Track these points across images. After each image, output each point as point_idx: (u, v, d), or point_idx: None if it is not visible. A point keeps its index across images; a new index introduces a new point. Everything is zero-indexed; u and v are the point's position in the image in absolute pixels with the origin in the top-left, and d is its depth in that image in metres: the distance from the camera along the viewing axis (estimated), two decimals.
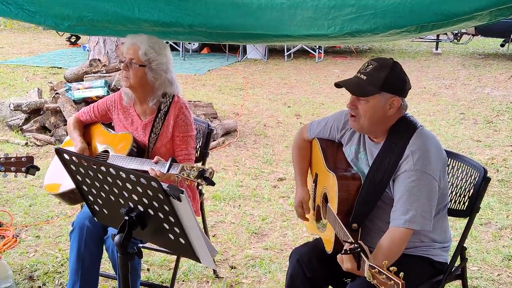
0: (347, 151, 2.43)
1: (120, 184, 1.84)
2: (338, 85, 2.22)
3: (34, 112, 6.39)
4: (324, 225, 2.42)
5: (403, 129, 2.22)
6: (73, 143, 2.94)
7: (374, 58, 2.23)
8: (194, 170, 2.40)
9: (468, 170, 2.50)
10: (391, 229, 2.11)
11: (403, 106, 2.24)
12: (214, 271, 3.45)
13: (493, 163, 5.42)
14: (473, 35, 12.59)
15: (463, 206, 2.48)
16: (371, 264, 1.77)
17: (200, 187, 3.16)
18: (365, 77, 2.17)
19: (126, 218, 1.86)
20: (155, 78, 2.76)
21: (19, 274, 3.43)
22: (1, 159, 2.68)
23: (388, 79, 2.15)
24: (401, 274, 1.67)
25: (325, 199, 2.40)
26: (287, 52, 11.73)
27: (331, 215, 2.25)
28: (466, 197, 2.47)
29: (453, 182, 2.55)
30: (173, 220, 1.81)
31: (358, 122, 2.23)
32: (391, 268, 1.69)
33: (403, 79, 2.21)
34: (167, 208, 1.78)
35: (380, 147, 2.25)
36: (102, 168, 1.85)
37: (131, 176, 1.77)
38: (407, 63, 11.12)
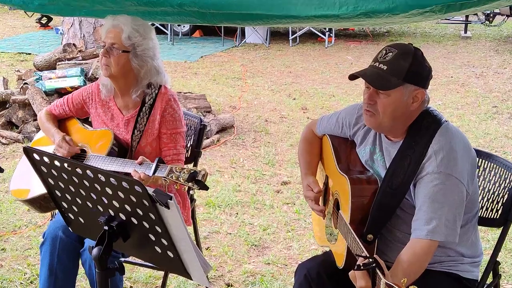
0: (361, 151, 2.43)
1: (99, 188, 1.84)
2: (354, 76, 2.20)
3: None
4: (335, 235, 2.42)
5: (425, 126, 2.22)
6: (49, 136, 2.94)
7: (392, 44, 2.22)
8: (184, 173, 2.41)
9: (502, 172, 2.50)
10: (412, 241, 2.11)
11: (426, 99, 2.25)
12: None
13: None
14: (508, 16, 12.58)
15: (496, 214, 2.48)
16: (388, 282, 1.77)
17: (191, 192, 3.16)
18: (385, 67, 2.15)
19: (106, 228, 1.87)
20: (140, 65, 2.76)
21: None
22: None
23: (412, 68, 2.15)
24: None
25: (337, 205, 2.41)
26: (292, 35, 11.73)
27: (343, 224, 2.24)
28: (500, 204, 2.47)
29: (485, 186, 2.55)
30: (160, 230, 1.81)
31: (375, 119, 2.22)
32: (411, 287, 1.69)
33: (427, 68, 2.22)
34: (153, 217, 1.78)
35: (399, 146, 2.25)
36: (78, 170, 1.85)
37: (112, 179, 1.78)
38: (431, 48, 11.12)
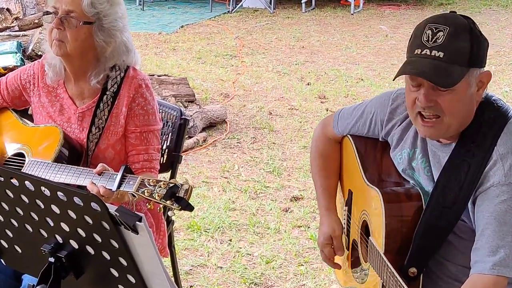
0: (396, 157, 2.44)
1: (42, 206, 1.83)
2: (401, 73, 2.16)
3: None
4: (364, 271, 2.43)
5: (486, 121, 2.23)
6: None
7: (434, 21, 2.18)
8: (160, 187, 2.38)
9: None
10: (472, 278, 2.12)
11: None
12: None
13: None
14: None
15: None
16: None
17: (168, 212, 3.16)
18: (441, 53, 2.13)
19: (52, 259, 1.86)
20: (107, 42, 2.76)
21: None
22: None
23: (474, 48, 2.15)
24: None
25: (366, 230, 2.41)
26: None
27: (376, 254, 2.26)
28: None
29: None
30: (125, 263, 1.80)
31: (440, 126, 2.18)
32: None
33: (485, 41, 2.22)
34: (116, 245, 1.77)
35: (451, 150, 2.26)
36: (14, 181, 1.85)
37: (60, 193, 1.77)
38: (494, 15, 11.12)
